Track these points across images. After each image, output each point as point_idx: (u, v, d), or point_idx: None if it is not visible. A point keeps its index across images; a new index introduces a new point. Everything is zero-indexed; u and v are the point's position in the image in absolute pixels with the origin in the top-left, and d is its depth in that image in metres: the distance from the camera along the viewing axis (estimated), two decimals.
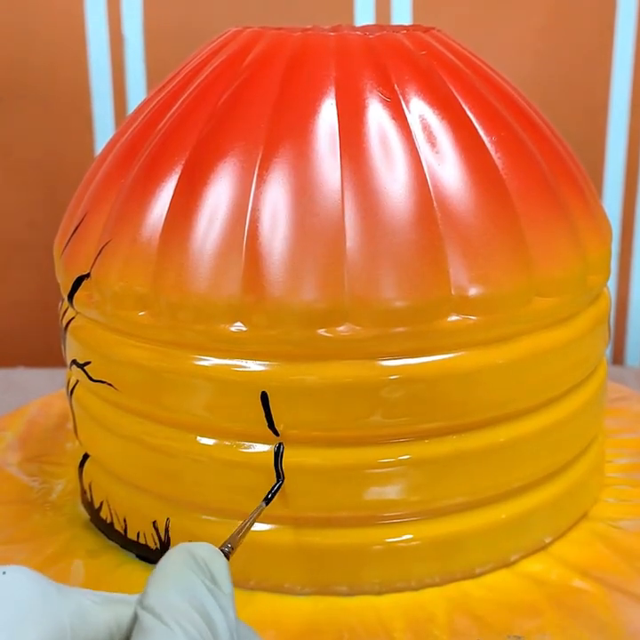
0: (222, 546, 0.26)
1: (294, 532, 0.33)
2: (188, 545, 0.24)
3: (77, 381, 0.37)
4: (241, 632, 0.23)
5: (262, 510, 0.31)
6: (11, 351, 0.68)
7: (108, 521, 0.37)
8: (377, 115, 0.32)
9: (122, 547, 0.36)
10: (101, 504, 0.37)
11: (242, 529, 0.28)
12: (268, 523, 0.33)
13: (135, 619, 0.22)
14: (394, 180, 0.31)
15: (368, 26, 0.39)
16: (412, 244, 0.30)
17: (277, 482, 0.31)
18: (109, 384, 0.34)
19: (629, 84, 0.63)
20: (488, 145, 0.33)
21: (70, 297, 0.36)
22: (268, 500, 0.31)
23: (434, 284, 0.30)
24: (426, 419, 0.32)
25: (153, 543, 0.35)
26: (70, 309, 0.37)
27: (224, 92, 0.34)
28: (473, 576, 0.34)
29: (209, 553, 0.23)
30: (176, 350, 0.32)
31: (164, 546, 0.34)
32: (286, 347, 0.31)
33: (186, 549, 0.23)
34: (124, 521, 0.36)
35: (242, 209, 0.31)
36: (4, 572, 0.21)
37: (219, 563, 0.23)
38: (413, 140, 0.32)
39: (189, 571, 0.23)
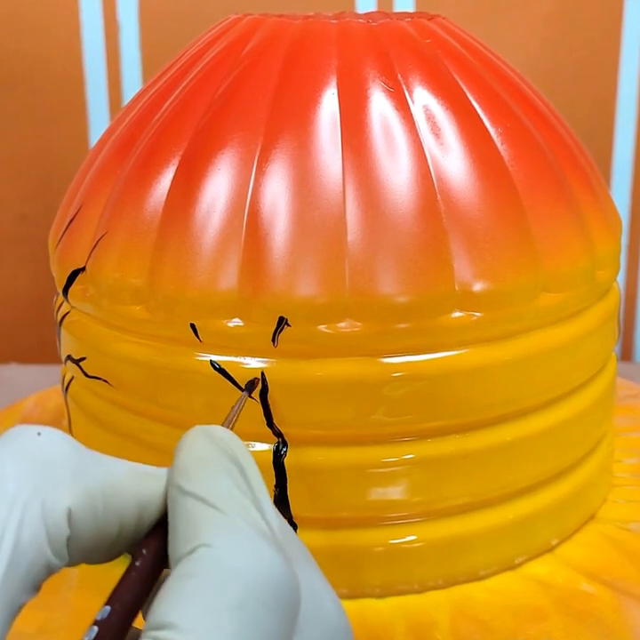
0: None
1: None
2: (203, 427, 0.22)
3: (73, 377, 0.37)
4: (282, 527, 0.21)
5: (245, 400, 0.30)
6: (3, 347, 0.68)
7: None
8: (380, 105, 0.32)
9: None
10: None
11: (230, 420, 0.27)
12: None
13: (165, 499, 0.20)
14: (397, 172, 0.31)
15: (371, 13, 0.38)
16: (415, 237, 0.30)
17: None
18: (105, 380, 0.34)
19: (638, 73, 0.62)
20: (494, 136, 0.33)
21: (65, 291, 0.35)
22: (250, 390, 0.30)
23: (437, 279, 0.30)
24: (429, 417, 0.31)
25: None
26: (65, 304, 0.36)
27: (223, 81, 0.33)
28: (477, 579, 0.34)
29: (227, 434, 0.22)
30: (173, 346, 0.32)
31: None
32: (286, 343, 0.30)
33: (203, 432, 0.21)
34: None
35: (241, 201, 0.30)
36: (39, 434, 0.20)
37: (239, 445, 0.21)
38: (417, 130, 0.31)
39: (217, 453, 0.21)
